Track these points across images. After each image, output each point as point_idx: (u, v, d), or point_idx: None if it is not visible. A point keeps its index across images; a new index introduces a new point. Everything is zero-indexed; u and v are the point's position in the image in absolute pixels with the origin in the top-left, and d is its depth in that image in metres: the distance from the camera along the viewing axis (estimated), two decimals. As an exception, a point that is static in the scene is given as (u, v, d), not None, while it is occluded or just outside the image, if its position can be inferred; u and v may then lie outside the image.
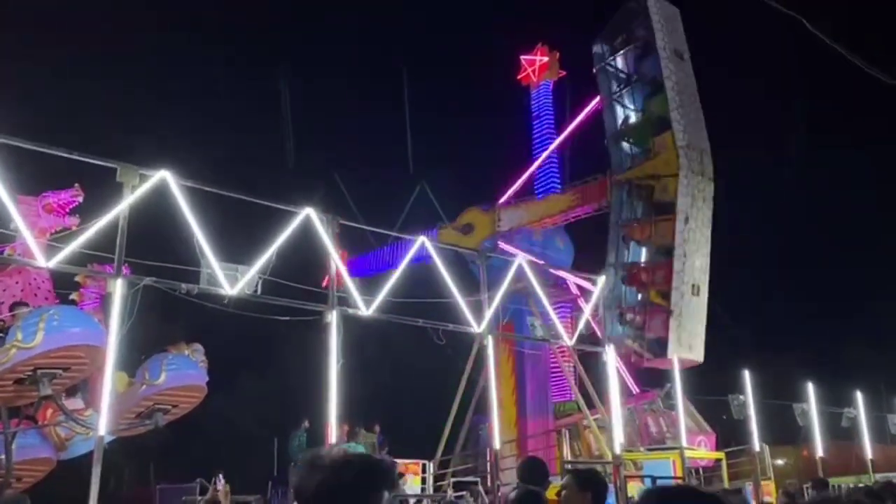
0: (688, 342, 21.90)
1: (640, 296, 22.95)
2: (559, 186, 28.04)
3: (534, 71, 29.96)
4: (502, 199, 27.80)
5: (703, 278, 22.37)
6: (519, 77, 30.44)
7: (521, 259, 15.79)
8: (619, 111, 25.01)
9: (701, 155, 22.70)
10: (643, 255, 23.31)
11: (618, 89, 25.11)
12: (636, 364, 23.20)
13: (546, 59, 29.76)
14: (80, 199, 12.48)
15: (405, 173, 34.96)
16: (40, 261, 9.67)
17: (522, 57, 30.34)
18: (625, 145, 24.70)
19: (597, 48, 25.57)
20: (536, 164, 28.52)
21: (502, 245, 25.80)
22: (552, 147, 28.37)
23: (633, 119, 24.56)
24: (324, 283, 12.87)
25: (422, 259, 14.43)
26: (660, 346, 22.00)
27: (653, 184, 22.93)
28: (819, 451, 21.81)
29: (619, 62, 25.11)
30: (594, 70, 25.67)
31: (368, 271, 27.45)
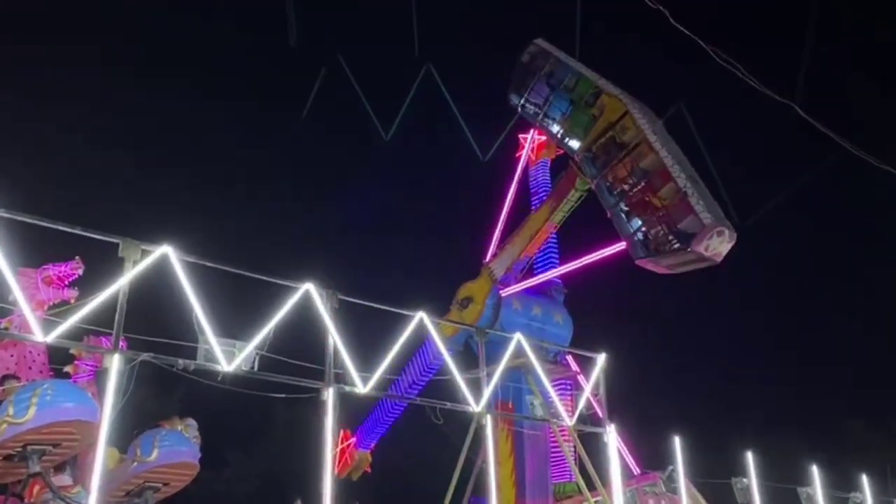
0: (714, 212, 21.39)
1: (651, 216, 22.77)
2: (557, 261, 28.19)
3: (532, 149, 30.51)
4: (488, 257, 28.20)
5: (693, 172, 22.36)
6: (517, 155, 30.98)
7: (520, 335, 15.70)
8: (555, 127, 26.31)
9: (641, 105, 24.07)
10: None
11: (543, 111, 26.45)
12: (670, 263, 22.75)
13: (544, 137, 30.35)
14: (81, 271, 12.52)
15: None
16: (38, 335, 9.62)
17: (520, 135, 30.95)
18: (572, 141, 25.60)
19: (513, 99, 27.40)
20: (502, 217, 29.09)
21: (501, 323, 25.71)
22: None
23: (567, 115, 25.73)
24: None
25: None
26: (690, 230, 21.37)
27: (611, 134, 23.70)
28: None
29: (535, 95, 26.68)
30: (518, 111, 27.58)
31: (376, 431, 27.24)
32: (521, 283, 27.32)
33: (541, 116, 26.68)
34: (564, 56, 25.51)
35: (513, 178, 30.33)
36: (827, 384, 40.59)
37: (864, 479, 22.85)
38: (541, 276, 27.68)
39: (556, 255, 28.68)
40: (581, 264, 26.48)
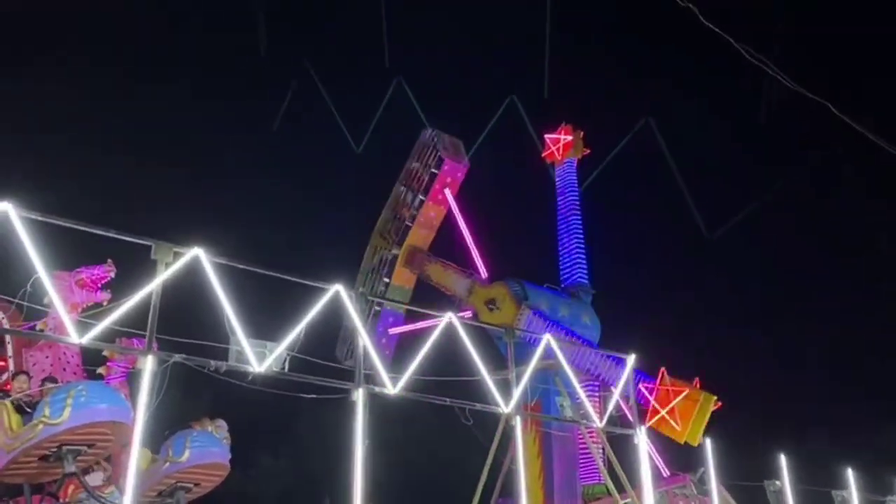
0: None
1: None
2: (586, 279, 28.06)
3: (558, 149, 30.37)
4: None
5: None
6: (543, 155, 30.87)
7: (549, 336, 15.59)
8: None
9: None
10: None
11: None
12: None
13: (570, 137, 30.19)
14: (113, 274, 12.67)
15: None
16: (73, 337, 9.73)
17: (547, 136, 30.83)
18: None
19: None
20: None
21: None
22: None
23: None
24: None
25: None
26: None
27: None
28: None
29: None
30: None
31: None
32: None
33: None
34: None
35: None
36: (862, 387, 39.86)
37: (901, 483, 22.40)
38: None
39: (584, 261, 28.53)
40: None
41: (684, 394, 20.62)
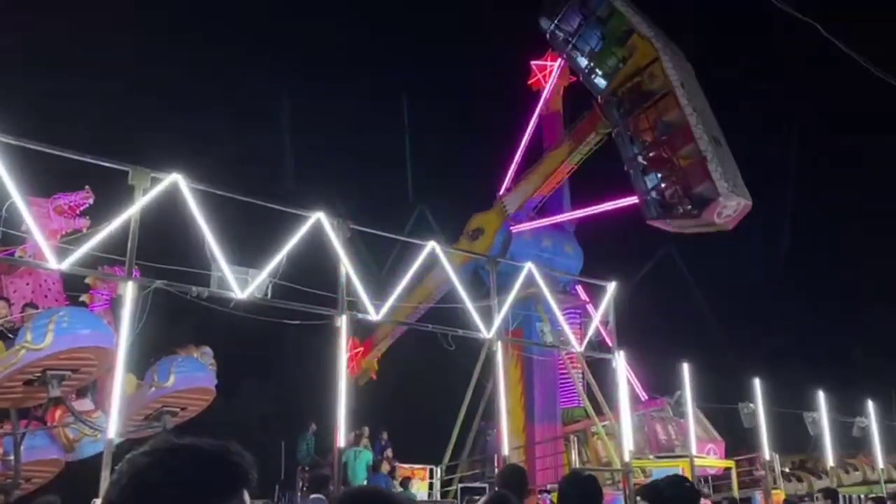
0: (732, 180, 20.86)
1: (669, 174, 22.19)
2: (568, 204, 28.06)
3: (544, 76, 29.92)
4: (502, 190, 27.97)
5: (718, 132, 21.86)
6: (529, 82, 30.41)
7: (531, 265, 15.73)
8: (582, 60, 25.45)
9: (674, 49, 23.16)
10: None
11: (573, 41, 25.52)
12: (681, 224, 22.32)
13: (557, 63, 29.71)
14: (91, 200, 12.50)
15: (405, 199, 35.55)
16: (52, 263, 9.69)
17: (533, 62, 30.31)
18: (599, 80, 24.77)
19: (543, 24, 26.42)
20: (522, 146, 28.78)
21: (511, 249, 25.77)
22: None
23: (597, 50, 24.88)
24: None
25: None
26: (705, 196, 20.86)
27: (639, 80, 22.81)
28: (830, 461, 21.64)
29: (566, 22, 25.68)
30: (549, 39, 26.69)
31: None
32: (532, 223, 27.15)
33: (570, 46, 25.55)
34: None
35: (533, 110, 29.73)
36: (834, 312, 40.85)
37: (870, 404, 23.15)
38: (552, 218, 27.48)
39: (568, 199, 28.46)
40: (592, 212, 26.25)
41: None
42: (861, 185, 40.28)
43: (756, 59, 43.05)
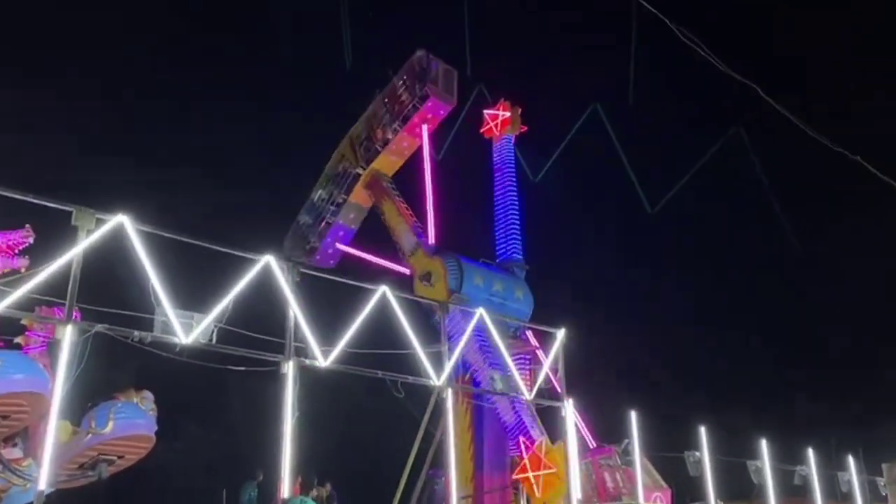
0: None
1: None
2: (520, 255, 28.22)
3: (496, 125, 30.40)
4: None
5: None
6: (482, 131, 30.88)
7: (482, 310, 15.77)
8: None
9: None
10: None
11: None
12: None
13: (508, 113, 30.23)
14: (31, 240, 12.17)
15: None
16: (-14, 305, 9.34)
17: (485, 111, 30.82)
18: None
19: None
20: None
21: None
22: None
23: None
24: None
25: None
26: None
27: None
28: (773, 509, 21.90)
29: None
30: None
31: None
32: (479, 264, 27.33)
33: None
34: None
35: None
36: (774, 361, 41.76)
37: (811, 453, 23.61)
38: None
39: (518, 237, 28.68)
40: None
41: (552, 471, 21.67)
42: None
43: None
